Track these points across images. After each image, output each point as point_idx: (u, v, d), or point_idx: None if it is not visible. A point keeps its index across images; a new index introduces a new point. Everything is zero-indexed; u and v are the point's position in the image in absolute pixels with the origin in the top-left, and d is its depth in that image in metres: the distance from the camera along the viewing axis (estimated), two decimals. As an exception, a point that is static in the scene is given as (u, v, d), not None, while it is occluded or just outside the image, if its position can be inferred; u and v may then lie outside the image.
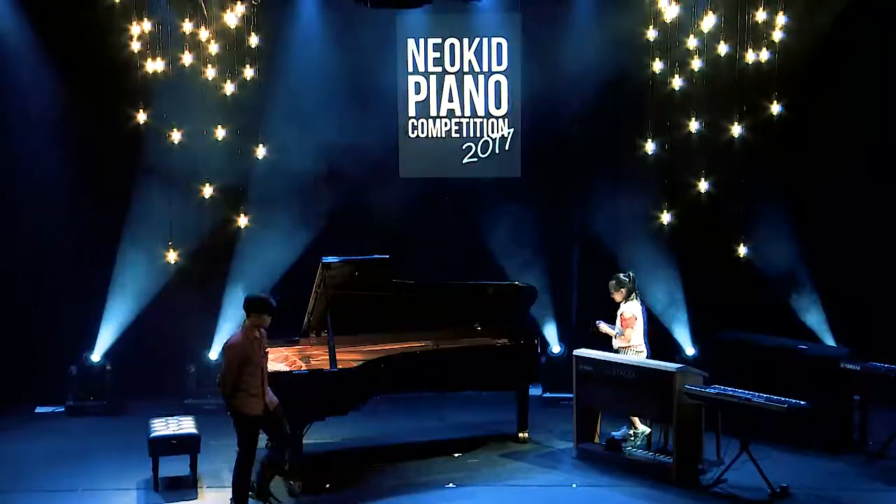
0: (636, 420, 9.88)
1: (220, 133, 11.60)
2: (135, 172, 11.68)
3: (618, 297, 9.83)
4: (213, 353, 11.81)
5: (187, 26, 11.29)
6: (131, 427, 10.57)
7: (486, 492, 8.87)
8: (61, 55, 11.59)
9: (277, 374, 9.03)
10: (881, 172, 11.73)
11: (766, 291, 11.76)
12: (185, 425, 9.33)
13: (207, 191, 11.71)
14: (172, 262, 11.61)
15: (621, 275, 9.95)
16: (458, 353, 9.77)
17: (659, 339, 11.68)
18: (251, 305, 8.18)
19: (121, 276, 11.69)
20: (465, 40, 12.28)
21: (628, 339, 9.77)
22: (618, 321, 9.83)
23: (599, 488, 9.10)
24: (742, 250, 11.74)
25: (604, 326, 10.03)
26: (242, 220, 11.83)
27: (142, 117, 11.48)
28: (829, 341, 11.40)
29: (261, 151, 11.76)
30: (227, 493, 8.88)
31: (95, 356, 11.71)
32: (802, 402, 8.66)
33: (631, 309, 9.79)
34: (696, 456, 9.29)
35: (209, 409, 11.33)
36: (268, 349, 8.36)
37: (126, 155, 11.67)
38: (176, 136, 11.48)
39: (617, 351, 9.87)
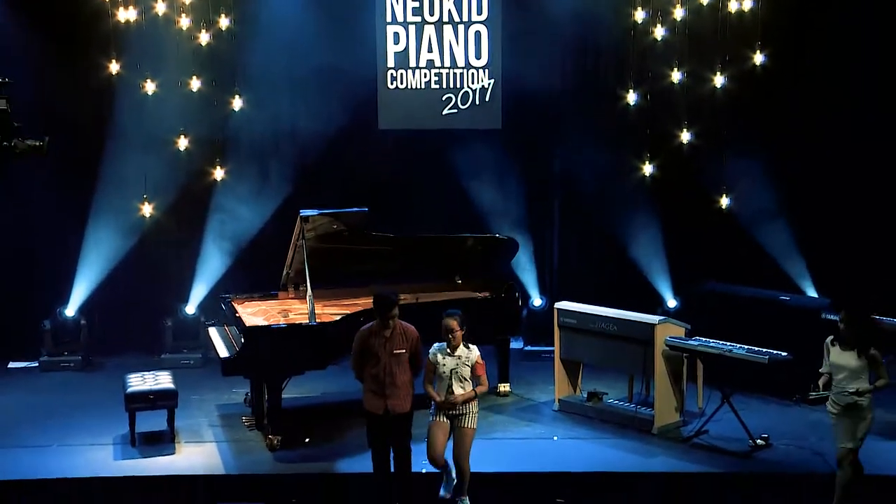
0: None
1: (195, 84, 11.48)
2: (107, 124, 11.48)
3: (458, 332, 7.71)
4: (190, 308, 11.75)
5: (159, -27, 11.10)
6: (107, 382, 10.51)
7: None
8: (30, 3, 11.32)
9: (255, 329, 8.99)
10: (865, 121, 11.65)
11: (748, 242, 11.74)
12: (162, 380, 9.27)
13: (182, 143, 11.59)
14: (147, 215, 11.56)
15: (458, 312, 7.88)
16: (438, 306, 9.63)
17: (641, 292, 11.71)
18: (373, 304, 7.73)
19: (95, 229, 11.56)
20: (445, -11, 12.11)
21: (486, 387, 7.90)
22: (465, 370, 7.71)
23: (581, 440, 9.11)
24: (724, 201, 11.75)
25: (459, 392, 7.73)
26: (218, 173, 11.72)
27: (114, 67, 11.35)
28: (811, 292, 11.43)
29: (237, 103, 11.63)
30: (206, 448, 8.96)
31: (70, 311, 11.60)
32: (784, 354, 8.67)
33: (478, 355, 7.83)
34: (678, 408, 9.32)
35: (186, 363, 11.33)
36: (399, 351, 7.59)
37: (98, 106, 11.48)
38: (149, 86, 11.38)
39: (449, 409, 7.69)
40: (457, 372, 7.68)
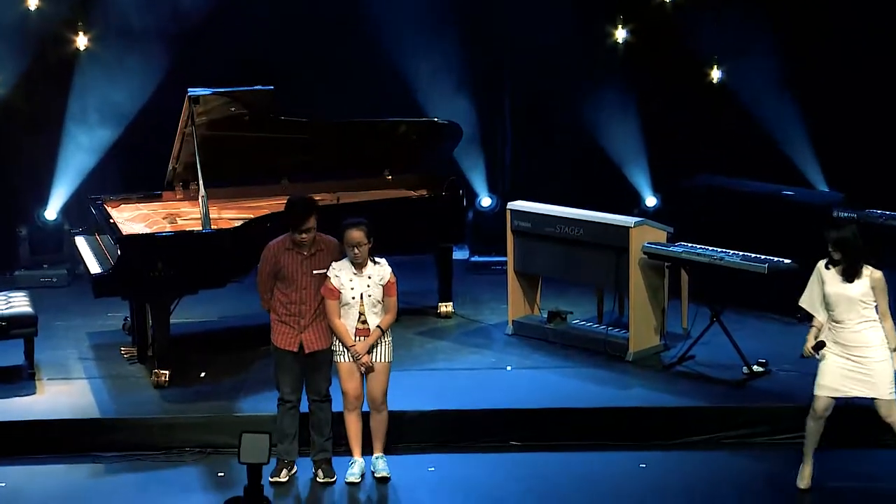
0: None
1: (45, -81, 11.35)
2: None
3: (365, 245, 7.45)
4: (51, 212, 11.70)
5: None
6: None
7: (402, 378, 8.83)
8: None
9: (134, 238, 8.97)
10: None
11: (744, 125, 11.82)
12: (17, 303, 9.24)
13: (32, 0, 11.35)
14: (-9, 94, 11.46)
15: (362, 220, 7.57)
16: (364, 208, 9.65)
17: (613, 188, 11.83)
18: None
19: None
20: None
21: (395, 315, 7.70)
22: (377, 291, 7.52)
23: (539, 370, 9.22)
24: (715, 73, 11.84)
25: (373, 321, 7.57)
26: (81, 40, 11.60)
27: None
28: (821, 186, 11.58)
29: (102, -54, 11.52)
30: (75, 386, 8.95)
31: None
32: (787, 261, 8.79)
33: (390, 271, 7.68)
34: (658, 329, 9.45)
35: (47, 282, 11.33)
36: (321, 271, 7.48)
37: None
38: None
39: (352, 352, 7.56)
40: (368, 296, 7.49)
